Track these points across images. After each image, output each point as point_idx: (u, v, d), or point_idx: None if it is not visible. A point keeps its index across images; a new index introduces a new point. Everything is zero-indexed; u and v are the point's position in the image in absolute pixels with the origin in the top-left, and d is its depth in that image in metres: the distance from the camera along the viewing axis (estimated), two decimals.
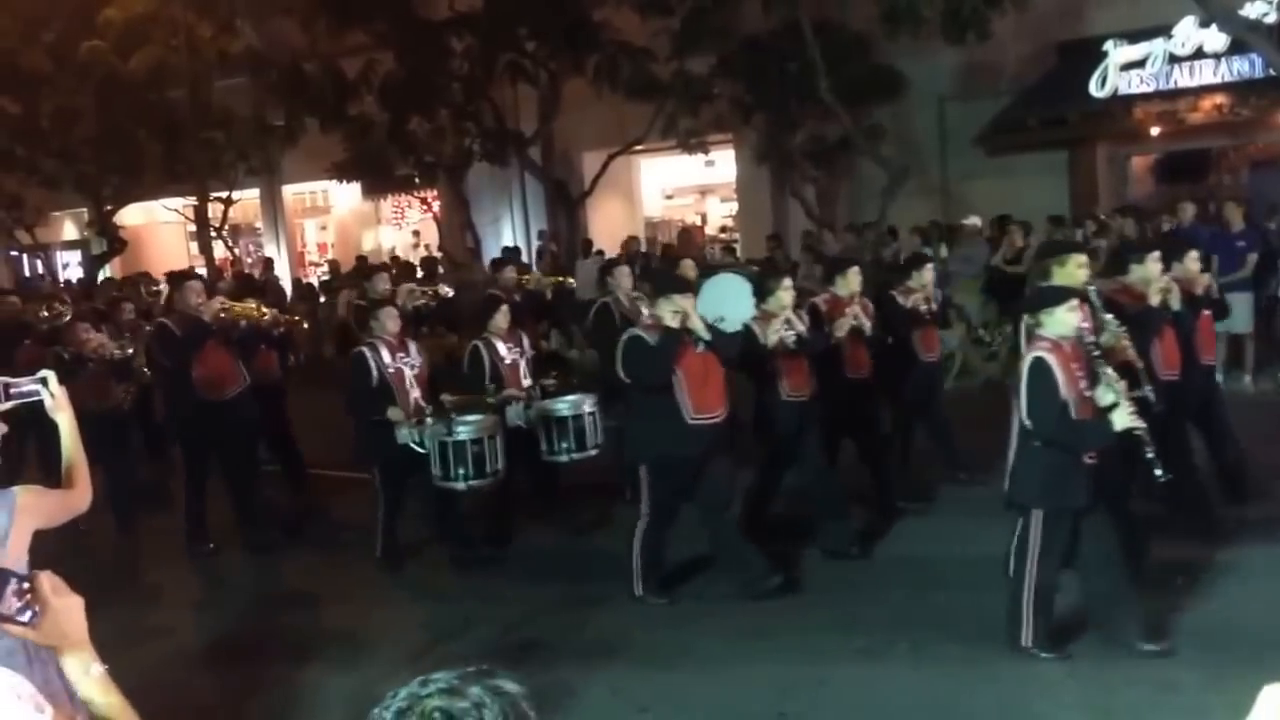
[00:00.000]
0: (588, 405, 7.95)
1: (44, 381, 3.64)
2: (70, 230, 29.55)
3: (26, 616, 2.00)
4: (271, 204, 26.89)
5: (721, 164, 21.06)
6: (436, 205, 23.40)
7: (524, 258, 19.83)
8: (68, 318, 9.78)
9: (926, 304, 8.47)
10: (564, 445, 7.86)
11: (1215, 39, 15.06)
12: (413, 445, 7.56)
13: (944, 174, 18.45)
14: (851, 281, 7.96)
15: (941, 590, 6.65)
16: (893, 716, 5.30)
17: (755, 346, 7.15)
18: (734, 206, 22.27)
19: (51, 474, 3.88)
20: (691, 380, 6.58)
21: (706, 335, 6.57)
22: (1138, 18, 15.82)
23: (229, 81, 22.17)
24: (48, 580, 2.05)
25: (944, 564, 7.04)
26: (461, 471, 7.41)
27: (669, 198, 24.08)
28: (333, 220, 27.67)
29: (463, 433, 7.43)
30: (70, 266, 29.25)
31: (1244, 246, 11.44)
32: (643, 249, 19.13)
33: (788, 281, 7.54)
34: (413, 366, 7.77)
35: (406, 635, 6.73)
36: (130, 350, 9.01)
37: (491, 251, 21.57)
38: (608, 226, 21.56)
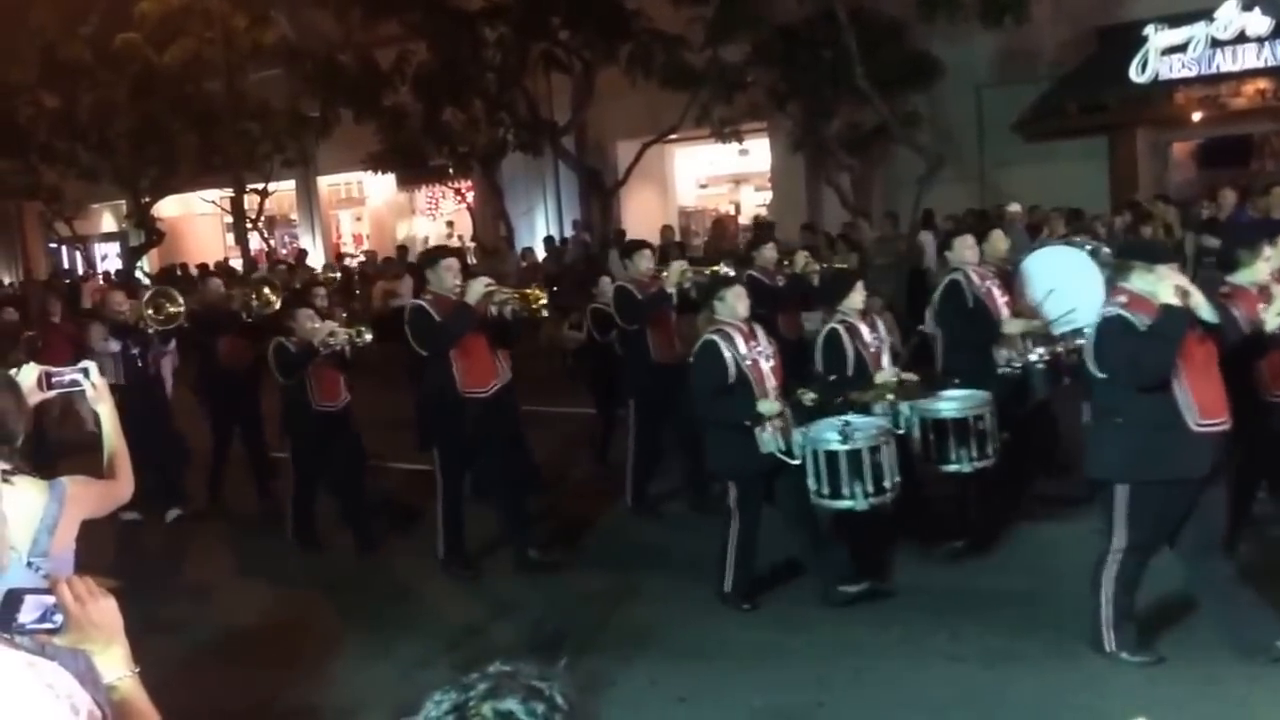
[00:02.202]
0: (979, 403, 6.60)
1: (85, 372, 3.64)
2: (109, 222, 29.96)
3: (48, 626, 2.01)
4: (307, 195, 27.08)
5: (756, 153, 20.96)
6: (470, 195, 23.46)
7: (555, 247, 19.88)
8: (277, 305, 8.97)
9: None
10: (963, 452, 6.44)
11: (1258, 22, 14.86)
12: (778, 454, 6.23)
13: (981, 161, 18.28)
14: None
15: (982, 580, 6.56)
16: (932, 708, 5.22)
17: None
18: (769, 195, 22.16)
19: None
20: (1194, 374, 5.10)
21: (1212, 314, 5.11)
22: (1179, 1, 15.60)
23: (264, 73, 22.36)
24: (75, 586, 2.04)
25: (985, 555, 6.93)
26: (859, 488, 6.08)
27: (703, 187, 24.01)
28: (367, 211, 27.82)
29: (860, 439, 6.11)
30: (109, 258, 29.64)
31: None
32: (677, 238, 19.08)
33: (1269, 251, 5.78)
34: (768, 357, 6.42)
35: (442, 624, 6.70)
36: (368, 337, 7.86)
37: (524, 241, 21.64)
38: (641, 216, 21.52)
